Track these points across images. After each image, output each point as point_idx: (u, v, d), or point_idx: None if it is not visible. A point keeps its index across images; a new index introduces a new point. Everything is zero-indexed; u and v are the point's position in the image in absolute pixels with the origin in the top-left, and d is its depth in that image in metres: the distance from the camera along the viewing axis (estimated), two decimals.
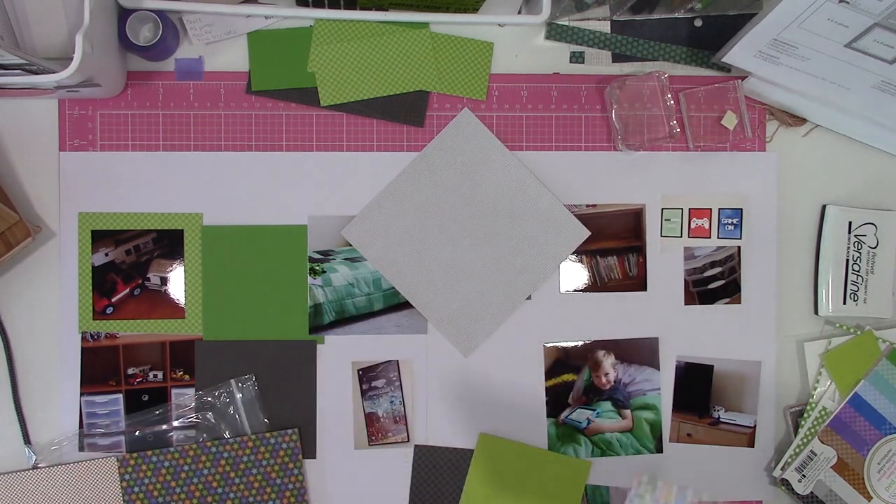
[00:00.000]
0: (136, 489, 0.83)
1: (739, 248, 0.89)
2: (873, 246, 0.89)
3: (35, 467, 0.84)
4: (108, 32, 0.79)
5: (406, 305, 0.87)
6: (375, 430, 0.87)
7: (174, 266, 0.86)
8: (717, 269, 0.89)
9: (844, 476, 0.87)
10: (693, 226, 0.89)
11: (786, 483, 0.88)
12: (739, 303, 0.89)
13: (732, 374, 0.89)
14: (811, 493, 0.87)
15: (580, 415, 0.88)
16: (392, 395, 0.87)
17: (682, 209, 0.89)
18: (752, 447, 0.89)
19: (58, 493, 0.83)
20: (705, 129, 0.88)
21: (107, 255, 0.85)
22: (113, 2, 0.80)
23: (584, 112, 0.88)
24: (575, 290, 0.88)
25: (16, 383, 0.85)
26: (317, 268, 0.86)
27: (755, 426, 0.89)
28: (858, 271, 0.88)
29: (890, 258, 0.89)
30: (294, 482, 0.84)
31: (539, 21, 0.84)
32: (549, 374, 0.88)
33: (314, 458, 0.86)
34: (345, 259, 0.86)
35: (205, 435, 0.85)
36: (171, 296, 0.86)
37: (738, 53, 0.81)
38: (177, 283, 0.86)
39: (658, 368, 0.89)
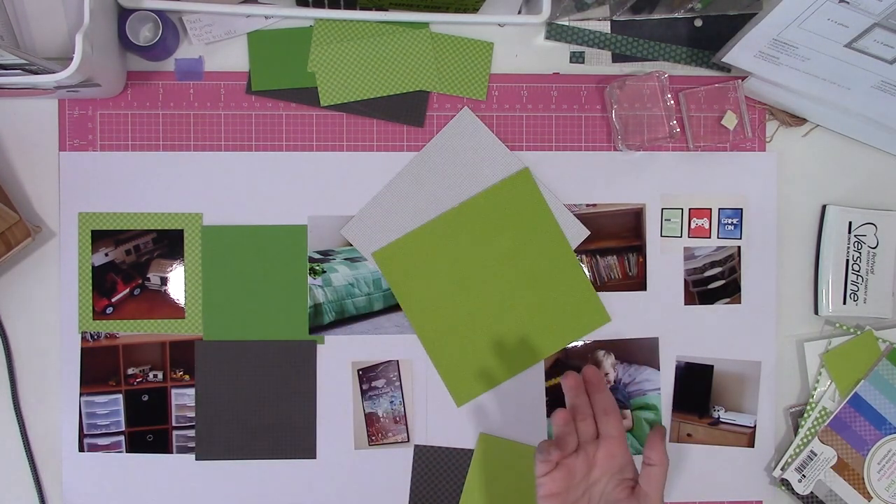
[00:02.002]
0: None
1: (739, 248, 0.89)
2: (873, 246, 0.89)
3: (37, 477, 0.84)
4: (108, 32, 0.79)
5: None
6: (375, 430, 0.87)
7: (174, 266, 0.86)
8: (717, 269, 0.89)
9: (844, 476, 0.87)
10: (693, 226, 0.89)
11: (786, 483, 0.88)
12: (739, 303, 0.89)
13: (732, 374, 0.89)
14: (811, 493, 0.87)
15: None
16: (392, 395, 0.87)
17: (682, 209, 0.89)
18: (752, 447, 0.89)
19: None
20: (705, 129, 0.88)
21: (107, 255, 0.85)
22: (113, 2, 0.80)
23: (584, 112, 0.88)
24: None
25: (15, 383, 0.85)
26: (317, 268, 0.86)
27: (755, 426, 0.89)
28: (858, 271, 0.88)
29: (890, 258, 0.89)
30: None
31: (539, 21, 0.84)
32: (549, 374, 0.88)
33: (314, 458, 0.86)
34: (345, 259, 0.86)
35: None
36: (171, 296, 0.86)
37: (738, 53, 0.81)
38: (177, 283, 0.86)
39: (658, 368, 0.89)
